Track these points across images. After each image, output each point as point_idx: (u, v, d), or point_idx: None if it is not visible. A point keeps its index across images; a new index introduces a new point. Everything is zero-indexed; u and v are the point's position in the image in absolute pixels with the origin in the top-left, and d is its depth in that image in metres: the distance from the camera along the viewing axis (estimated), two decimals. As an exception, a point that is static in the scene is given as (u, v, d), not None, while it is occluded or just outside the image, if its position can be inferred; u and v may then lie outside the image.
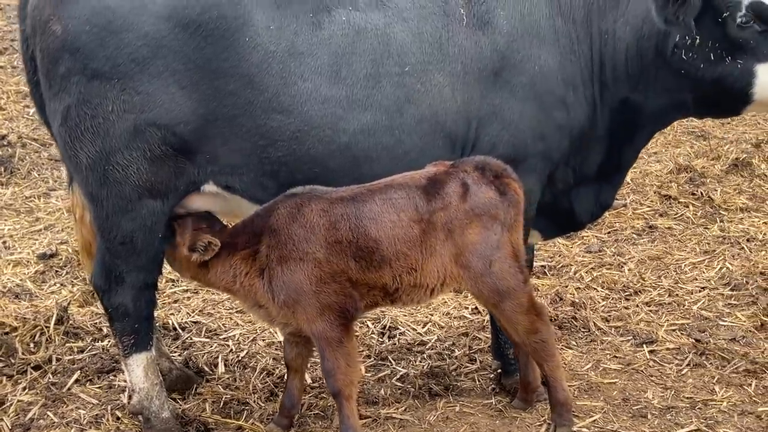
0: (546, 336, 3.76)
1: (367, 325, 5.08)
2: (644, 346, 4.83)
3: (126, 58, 3.42)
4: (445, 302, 5.34)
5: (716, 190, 7.06)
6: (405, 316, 5.19)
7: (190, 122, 3.52)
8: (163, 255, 3.81)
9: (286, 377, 4.08)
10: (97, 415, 4.21)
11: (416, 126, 3.70)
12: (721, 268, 5.82)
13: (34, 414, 4.20)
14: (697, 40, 3.74)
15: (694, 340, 4.86)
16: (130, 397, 4.04)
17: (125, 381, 4.34)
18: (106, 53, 3.41)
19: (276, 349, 4.85)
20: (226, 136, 3.57)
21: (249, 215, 3.72)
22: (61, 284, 5.63)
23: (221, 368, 4.64)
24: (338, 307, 3.59)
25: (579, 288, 5.54)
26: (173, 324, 5.09)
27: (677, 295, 5.46)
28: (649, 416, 4.15)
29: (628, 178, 7.25)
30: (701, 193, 6.99)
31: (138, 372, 3.90)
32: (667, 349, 4.81)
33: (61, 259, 5.91)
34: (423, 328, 5.09)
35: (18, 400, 4.29)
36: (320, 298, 3.57)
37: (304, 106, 3.56)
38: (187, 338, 4.99)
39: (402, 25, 3.71)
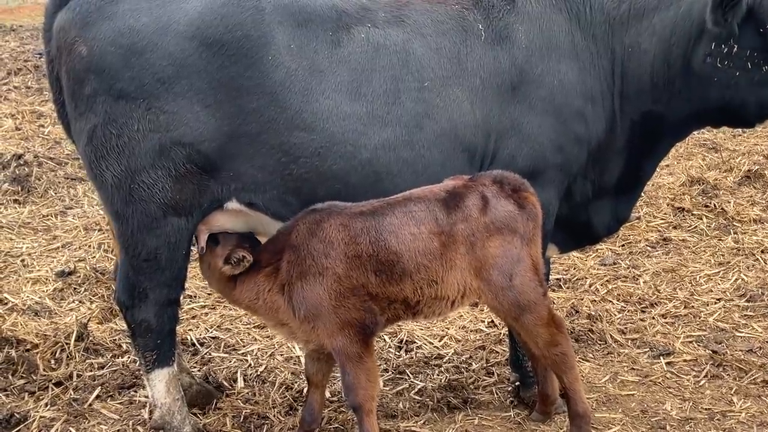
0: (566, 349, 3.78)
1: (384, 339, 5.11)
2: (661, 357, 4.85)
3: (151, 78, 3.47)
4: (462, 316, 5.37)
5: (729, 202, 7.08)
6: (421, 329, 5.21)
7: (215, 140, 3.56)
8: (199, 269, 3.87)
9: (306, 392, 4.10)
10: (118, 430, 4.22)
11: (436, 140, 3.74)
12: (736, 280, 5.83)
13: (57, 430, 4.22)
14: (735, 48, 3.77)
15: (711, 352, 4.88)
16: (151, 413, 4.07)
17: (146, 396, 4.38)
18: (131, 74, 3.46)
19: (294, 364, 4.89)
20: (249, 153, 3.61)
21: (274, 234, 3.77)
22: (80, 301, 5.67)
23: (240, 383, 4.66)
24: (358, 322, 3.60)
25: (595, 301, 5.56)
26: (192, 339, 5.13)
27: (693, 306, 5.47)
28: (668, 428, 4.16)
29: (636, 202, 7.28)
30: (714, 205, 7.01)
31: (160, 387, 3.92)
32: (685, 360, 4.82)
33: (80, 276, 5.96)
34: (440, 341, 5.11)
35: (41, 416, 4.31)
36: (340, 313, 3.59)
37: (326, 122, 3.61)
38: (206, 353, 5.02)
39: (420, 41, 3.77)
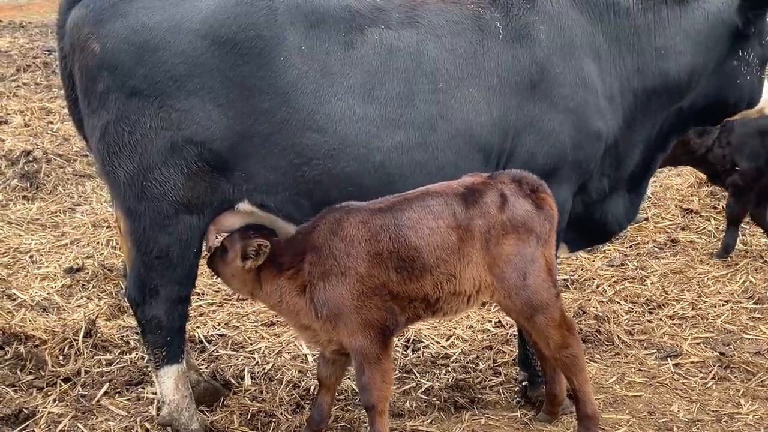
0: (576, 351, 3.78)
1: (392, 338, 5.11)
2: (669, 359, 4.84)
3: (163, 76, 3.47)
4: (469, 316, 5.37)
5: (737, 204, 7.05)
6: (428, 329, 5.22)
7: (226, 139, 3.57)
8: (213, 269, 3.86)
9: (316, 392, 4.10)
10: (126, 426, 4.24)
11: (450, 141, 3.74)
12: (744, 282, 5.83)
13: (65, 426, 4.23)
14: (751, 55, 4.24)
15: (718, 354, 4.87)
16: (159, 409, 4.08)
17: (153, 393, 4.39)
18: (143, 71, 3.47)
19: (301, 362, 4.90)
20: (261, 153, 3.61)
21: (293, 233, 3.74)
22: (88, 298, 5.70)
23: (248, 381, 4.67)
24: (379, 322, 3.59)
25: (602, 301, 5.56)
26: (199, 337, 5.14)
27: (701, 308, 5.47)
28: (675, 429, 4.16)
29: (648, 192, 7.28)
30: (722, 206, 6.99)
31: (169, 384, 3.94)
32: (692, 362, 4.82)
33: (88, 273, 5.98)
34: (447, 341, 5.11)
35: (48, 412, 4.33)
36: (362, 313, 3.58)
37: (339, 124, 3.61)
38: (213, 351, 5.04)
39: (435, 42, 3.77)
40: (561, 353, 3.76)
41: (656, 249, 6.46)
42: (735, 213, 6.25)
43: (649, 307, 5.51)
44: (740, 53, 4.25)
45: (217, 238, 4.02)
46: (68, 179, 7.92)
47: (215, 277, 5.93)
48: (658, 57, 4.13)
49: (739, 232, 6.53)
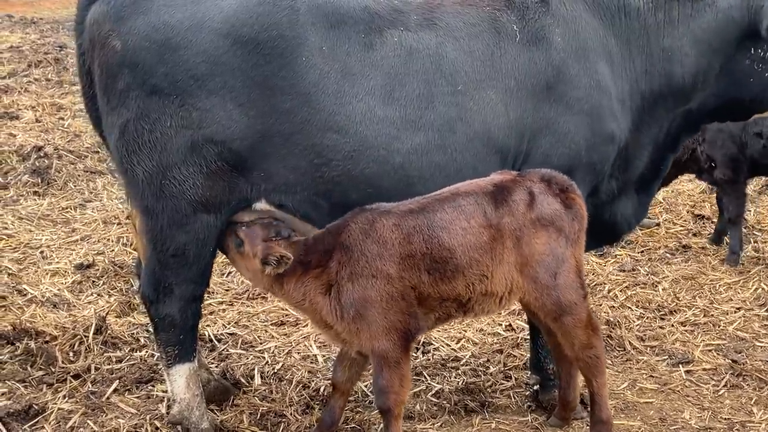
0: (599, 352, 3.79)
1: (402, 340, 5.09)
2: (680, 366, 4.82)
3: (185, 75, 3.46)
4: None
5: (750, 211, 7.04)
6: (439, 331, 5.20)
7: (246, 139, 3.56)
8: (224, 252, 3.81)
9: (329, 396, 4.09)
10: (136, 424, 4.23)
11: (468, 143, 3.74)
12: (756, 289, 5.81)
13: (75, 422, 4.23)
14: (764, 49, 4.13)
15: (730, 361, 4.85)
16: (169, 407, 4.08)
17: (164, 391, 4.40)
18: (165, 69, 3.46)
19: (311, 363, 4.89)
20: (281, 153, 3.60)
21: (320, 232, 3.71)
22: (98, 294, 5.70)
23: (257, 380, 4.67)
24: (403, 326, 3.57)
25: (613, 307, 5.54)
26: (209, 335, 5.14)
27: (712, 315, 5.45)
28: (687, 436, 4.15)
29: (660, 197, 7.27)
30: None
31: (180, 382, 3.93)
32: (704, 369, 4.80)
33: (98, 269, 5.98)
34: (457, 344, 5.10)
35: (58, 408, 4.33)
36: (388, 317, 3.55)
37: (359, 126, 3.60)
38: (223, 350, 5.03)
39: (453, 44, 3.77)
40: (585, 353, 3.77)
41: (668, 255, 6.44)
42: (732, 212, 6.23)
43: (661, 313, 5.49)
44: (753, 51, 4.15)
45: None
46: (79, 175, 7.92)
47: (226, 275, 5.99)
48: (665, 59, 4.10)
49: (751, 239, 6.51)
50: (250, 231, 3.66)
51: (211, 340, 5.11)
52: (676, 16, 4.09)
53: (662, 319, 5.42)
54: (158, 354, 4.22)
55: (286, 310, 5.47)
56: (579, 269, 3.71)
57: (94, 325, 5.02)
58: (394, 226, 3.55)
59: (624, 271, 6.10)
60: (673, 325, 5.30)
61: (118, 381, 4.59)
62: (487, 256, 3.56)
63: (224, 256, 3.91)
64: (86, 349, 4.88)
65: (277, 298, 4.05)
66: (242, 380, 4.64)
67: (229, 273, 6.03)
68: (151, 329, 4.41)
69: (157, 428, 4.19)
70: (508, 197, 3.60)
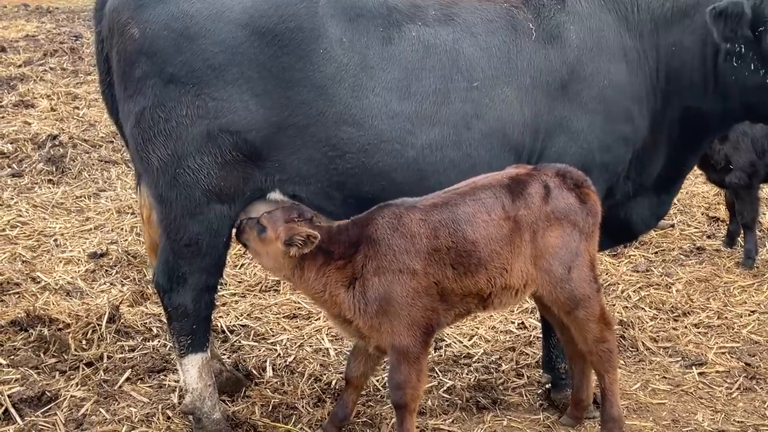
0: (612, 346, 3.79)
1: (414, 336, 5.08)
2: (693, 367, 4.79)
3: (202, 64, 3.46)
4: (491, 316, 5.34)
5: (765, 213, 6.99)
6: (451, 328, 5.18)
7: (262, 129, 3.56)
8: (243, 243, 3.72)
9: (342, 390, 4.08)
10: (147, 413, 4.24)
11: (483, 140, 3.73)
12: (770, 292, 5.76)
13: (87, 410, 4.25)
14: (743, 49, 3.82)
15: (744, 364, 4.82)
16: (181, 397, 4.09)
17: (176, 381, 4.41)
18: (182, 58, 3.46)
19: (323, 356, 4.89)
20: (296, 145, 3.60)
21: (344, 222, 3.67)
22: (111, 283, 5.72)
23: (269, 372, 4.67)
24: (425, 322, 3.55)
25: (627, 307, 5.51)
26: (222, 327, 5.15)
27: (726, 317, 5.41)
28: (700, 439, 4.12)
29: (674, 199, 7.21)
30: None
31: (193, 372, 3.93)
32: (717, 371, 4.76)
33: (111, 258, 6.01)
34: (469, 341, 5.09)
35: (71, 396, 4.35)
36: (412, 312, 3.53)
37: (375, 119, 3.59)
38: (235, 341, 5.04)
39: (470, 40, 3.75)
40: (597, 347, 3.77)
41: (682, 256, 6.40)
42: (747, 216, 6.18)
43: (674, 314, 5.45)
44: (732, 49, 3.85)
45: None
46: (93, 164, 7.96)
47: (239, 267, 6.00)
48: (670, 55, 3.97)
49: (766, 242, 6.46)
50: (272, 215, 3.61)
51: (223, 332, 5.12)
52: (682, 8, 3.94)
53: (675, 320, 5.38)
54: (171, 343, 4.22)
55: (299, 303, 5.48)
56: (593, 263, 3.72)
57: (107, 313, 5.05)
58: (420, 220, 3.53)
59: (638, 271, 6.07)
60: (686, 327, 5.27)
61: (130, 370, 4.61)
62: (507, 248, 3.57)
63: (238, 248, 3.90)
64: (99, 338, 4.90)
65: (296, 287, 4.03)
66: (254, 372, 4.65)
67: (242, 265, 6.04)
68: (164, 319, 4.42)
69: (169, 417, 4.21)
70: (524, 190, 3.60)
